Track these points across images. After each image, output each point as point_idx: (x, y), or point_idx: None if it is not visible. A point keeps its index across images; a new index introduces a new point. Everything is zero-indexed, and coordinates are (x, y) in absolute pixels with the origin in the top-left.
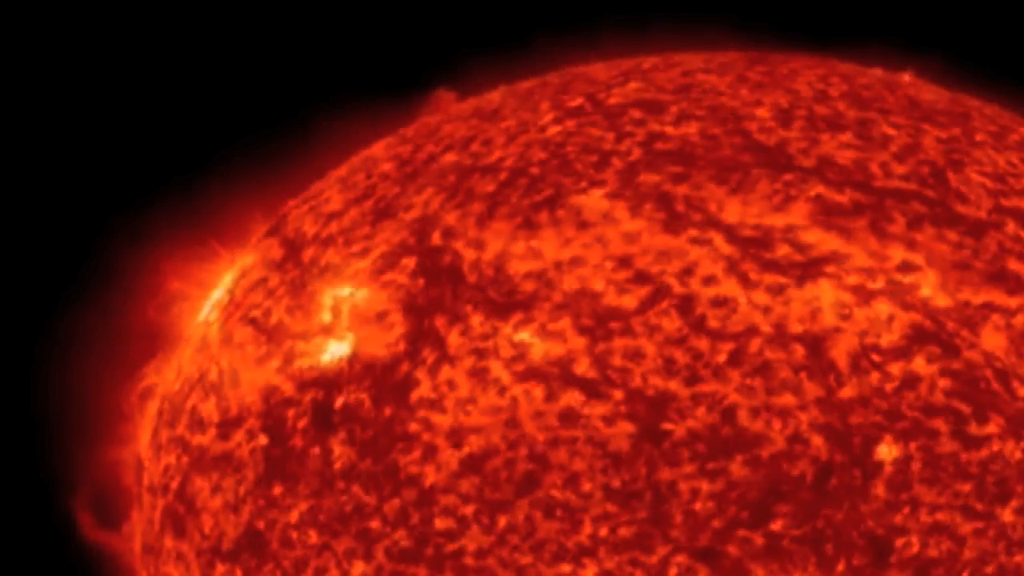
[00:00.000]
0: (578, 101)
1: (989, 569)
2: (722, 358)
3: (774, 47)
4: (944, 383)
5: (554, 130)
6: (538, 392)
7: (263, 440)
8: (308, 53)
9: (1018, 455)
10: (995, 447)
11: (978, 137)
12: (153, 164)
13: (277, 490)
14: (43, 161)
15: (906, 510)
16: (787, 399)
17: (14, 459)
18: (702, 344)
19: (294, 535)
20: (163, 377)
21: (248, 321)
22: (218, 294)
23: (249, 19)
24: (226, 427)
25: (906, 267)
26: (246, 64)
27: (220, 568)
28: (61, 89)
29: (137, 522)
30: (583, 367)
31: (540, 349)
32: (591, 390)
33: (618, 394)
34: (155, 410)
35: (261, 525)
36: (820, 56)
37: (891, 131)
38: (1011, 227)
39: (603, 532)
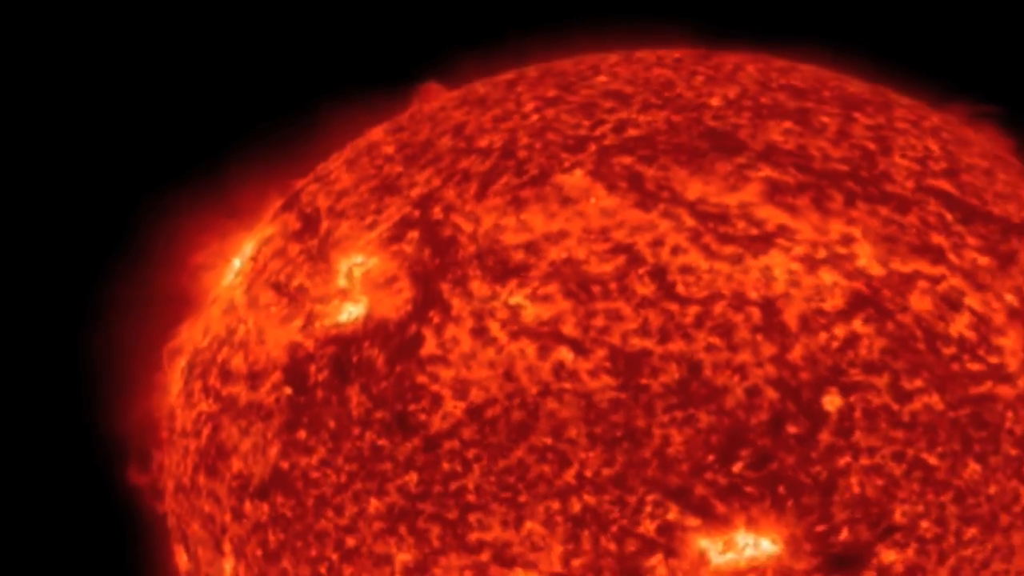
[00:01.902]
0: (553, 92)
1: (919, 508)
2: (689, 320)
3: (718, 45)
4: (880, 343)
5: (535, 117)
6: (531, 349)
7: (288, 391)
8: (316, 52)
9: (942, 406)
10: (923, 400)
11: (900, 125)
12: (182, 150)
13: (301, 435)
14: (90, 150)
15: (848, 455)
16: (745, 356)
17: (64, 408)
18: (673, 307)
19: (316, 475)
20: (192, 336)
21: (272, 285)
22: (241, 262)
23: (268, 25)
24: (254, 379)
25: (845, 240)
26: (263, 63)
27: (249, 505)
28: (105, 89)
29: (169, 464)
30: (570, 327)
31: (532, 311)
32: (578, 347)
33: (601, 351)
34: (185, 365)
35: (286, 466)
36: (758, 52)
37: (826, 119)
38: (932, 204)
39: (588, 473)
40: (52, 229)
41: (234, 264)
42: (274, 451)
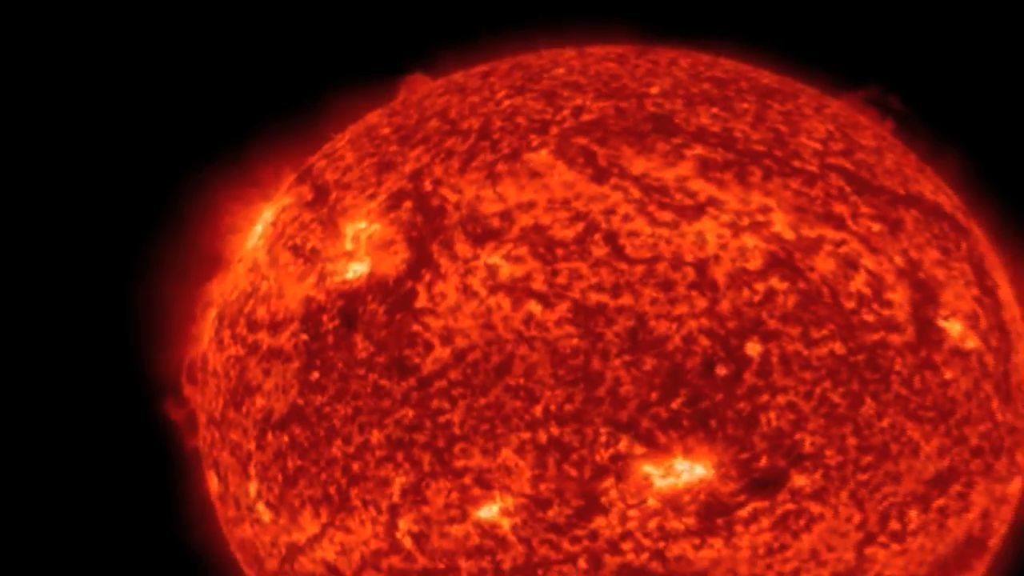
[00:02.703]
0: (520, 82)
1: (824, 439)
2: (636, 277)
3: (655, 42)
4: (793, 298)
5: (506, 103)
6: (506, 302)
7: (304, 337)
8: (323, 52)
9: (843, 352)
10: (828, 346)
11: (805, 111)
12: (214, 134)
13: (315, 376)
14: (141, 135)
15: (766, 394)
16: (683, 309)
17: (116, 352)
18: (623, 266)
19: (327, 410)
20: (222, 291)
21: (289, 248)
22: (262, 228)
23: (284, 31)
24: (275, 328)
25: (763, 209)
26: (280, 62)
27: (270, 435)
28: (157, 85)
29: (202, 400)
30: (538, 283)
31: (506, 270)
32: (544, 301)
33: (564, 304)
34: (216, 315)
35: (302, 402)
36: (687, 49)
37: (745, 106)
38: (834, 179)
39: (553, 409)
40: (108, 200)
41: (257, 229)
42: (292, 389)
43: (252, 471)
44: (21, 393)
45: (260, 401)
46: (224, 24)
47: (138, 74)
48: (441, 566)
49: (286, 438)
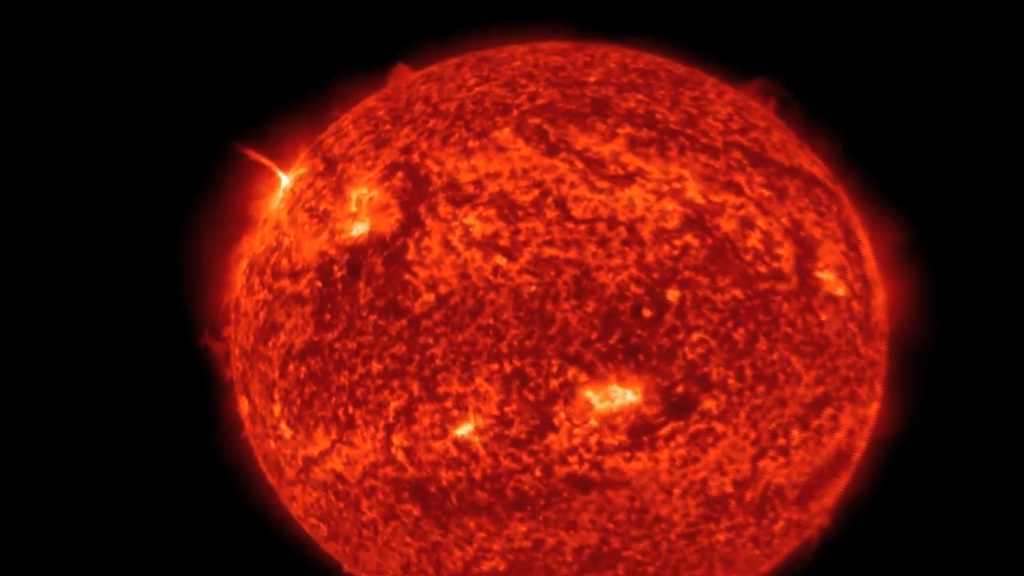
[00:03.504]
0: (487, 72)
1: (727, 370)
2: (581, 235)
3: (590, 39)
4: (703, 252)
5: (476, 90)
6: (478, 256)
7: (318, 284)
8: (328, 51)
9: (742, 297)
10: (731, 292)
11: (710, 96)
12: (245, 116)
13: (327, 316)
14: (187, 117)
15: (682, 332)
16: (617, 261)
17: (166, 296)
18: (570, 226)
19: (336, 345)
20: (251, 245)
21: (306, 210)
22: (283, 193)
23: (298, 32)
24: (295, 276)
25: (679, 179)
26: (295, 59)
27: (291, 365)
28: (202, 74)
29: (236, 335)
30: (504, 240)
31: (479, 228)
32: (509, 255)
33: (525, 257)
34: (246, 266)
35: (316, 338)
36: (616, 45)
37: (663, 92)
38: (736, 153)
39: (515, 344)
40: (163, 171)
41: (279, 195)
42: (308, 327)
43: (276, 395)
44: (90, 328)
45: (283, 337)
46: (254, 31)
47: (192, 71)
48: (426, 475)
49: (303, 368)
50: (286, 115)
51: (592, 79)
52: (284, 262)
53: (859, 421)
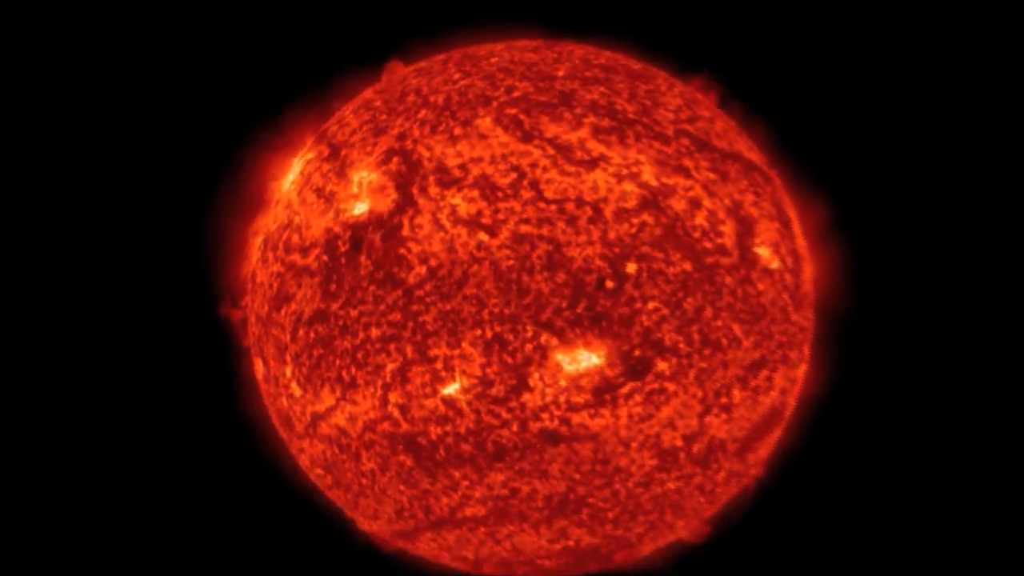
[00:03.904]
0: (469, 67)
1: (678, 336)
2: (552, 214)
3: (558, 37)
4: (657, 230)
5: (461, 83)
6: (464, 232)
7: (325, 258)
8: (331, 50)
9: (691, 269)
10: (682, 266)
11: (662, 89)
12: (259, 106)
13: (332, 287)
14: (209, 106)
15: (640, 302)
16: (583, 238)
17: (190, 268)
18: (543, 205)
19: (340, 312)
20: (266, 222)
21: (314, 190)
22: (293, 176)
23: (303, 30)
24: (305, 251)
25: (637, 163)
26: (302, 56)
27: (301, 331)
28: (222, 69)
29: (252, 304)
30: (486, 218)
31: (464, 208)
32: (490, 231)
33: (504, 234)
34: (262, 241)
35: (323, 307)
36: (581, 43)
37: (621, 86)
38: (685, 141)
39: (496, 312)
40: (187, 155)
41: (290, 177)
42: (316, 297)
43: (287, 358)
44: (122, 298)
45: (294, 306)
46: (268, 35)
47: (217, 72)
48: (418, 430)
49: (312, 333)
50: (296, 107)
51: (560, 73)
52: (295, 238)
53: (790, 381)
